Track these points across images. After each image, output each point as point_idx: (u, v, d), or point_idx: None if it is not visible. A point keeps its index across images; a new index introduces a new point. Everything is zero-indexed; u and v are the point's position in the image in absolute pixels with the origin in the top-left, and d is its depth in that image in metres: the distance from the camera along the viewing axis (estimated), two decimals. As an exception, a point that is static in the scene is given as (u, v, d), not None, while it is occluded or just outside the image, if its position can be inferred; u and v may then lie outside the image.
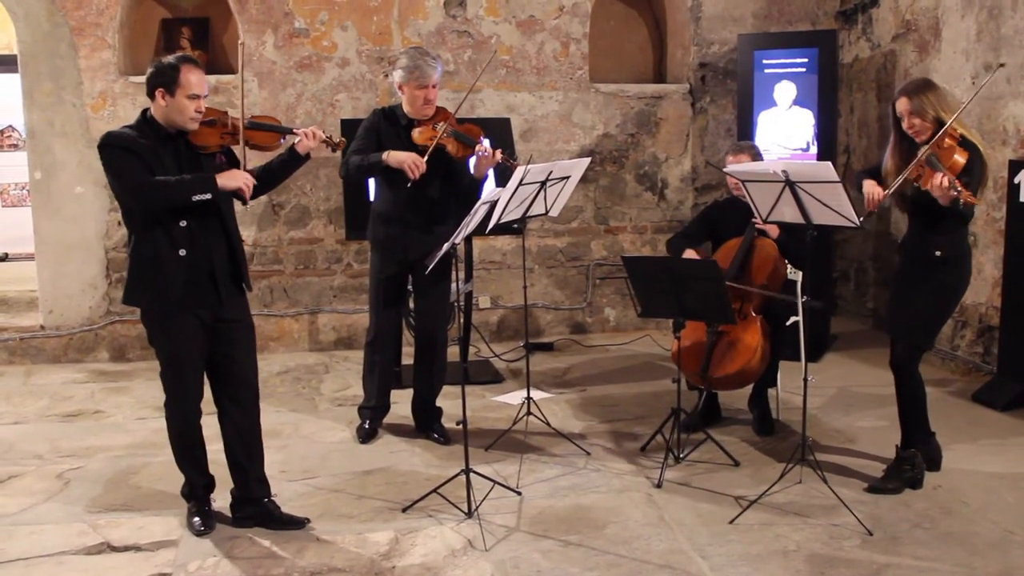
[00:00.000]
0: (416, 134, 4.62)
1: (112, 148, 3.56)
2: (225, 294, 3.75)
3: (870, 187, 4.13)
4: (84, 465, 4.62)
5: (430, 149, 4.54)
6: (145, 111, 3.68)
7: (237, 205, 3.84)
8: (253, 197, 3.80)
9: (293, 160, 3.94)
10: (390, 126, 4.69)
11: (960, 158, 3.89)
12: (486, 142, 4.71)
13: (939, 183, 3.74)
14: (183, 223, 3.62)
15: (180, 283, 3.63)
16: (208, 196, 3.58)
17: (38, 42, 6.40)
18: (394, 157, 4.56)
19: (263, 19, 6.64)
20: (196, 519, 3.87)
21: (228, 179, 3.66)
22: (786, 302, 4.75)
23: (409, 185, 4.53)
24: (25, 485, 4.38)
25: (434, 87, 4.63)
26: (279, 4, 6.63)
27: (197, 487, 3.93)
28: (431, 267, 4.25)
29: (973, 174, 3.94)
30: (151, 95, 3.62)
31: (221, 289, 3.73)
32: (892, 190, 4.00)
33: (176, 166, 3.64)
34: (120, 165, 3.55)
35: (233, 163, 3.83)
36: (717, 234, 5.08)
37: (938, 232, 4.07)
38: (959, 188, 3.70)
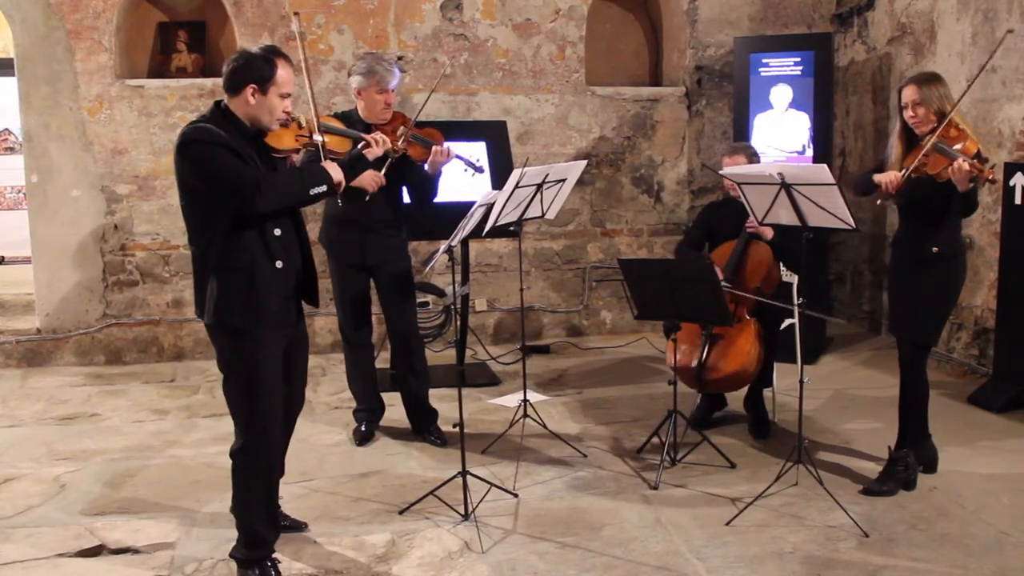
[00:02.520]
0: None
1: (206, 144, 3.19)
2: (300, 310, 3.54)
3: (884, 176, 4.09)
4: (81, 468, 4.62)
5: (394, 157, 4.50)
6: (219, 103, 3.34)
7: None
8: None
9: (361, 165, 3.76)
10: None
11: (971, 145, 3.91)
12: (446, 145, 4.71)
13: (957, 168, 3.77)
14: (277, 232, 3.33)
15: (279, 298, 3.35)
16: (324, 188, 3.36)
17: (35, 45, 6.40)
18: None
19: (259, 22, 6.64)
20: None
21: (335, 170, 3.43)
22: (780, 306, 4.76)
23: (367, 198, 4.52)
24: (22, 488, 4.38)
25: (393, 91, 4.66)
26: (275, 7, 6.64)
27: (267, 545, 3.51)
28: (426, 270, 4.25)
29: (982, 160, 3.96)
30: (237, 90, 3.27)
31: (298, 304, 3.52)
32: (910, 171, 3.97)
33: (265, 167, 3.37)
34: (220, 163, 3.19)
35: None
36: (713, 235, 5.09)
37: (936, 228, 4.08)
38: (980, 167, 3.74)
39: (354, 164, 3.74)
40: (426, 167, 4.71)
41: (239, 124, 3.32)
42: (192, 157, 3.22)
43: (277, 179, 3.34)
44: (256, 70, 3.27)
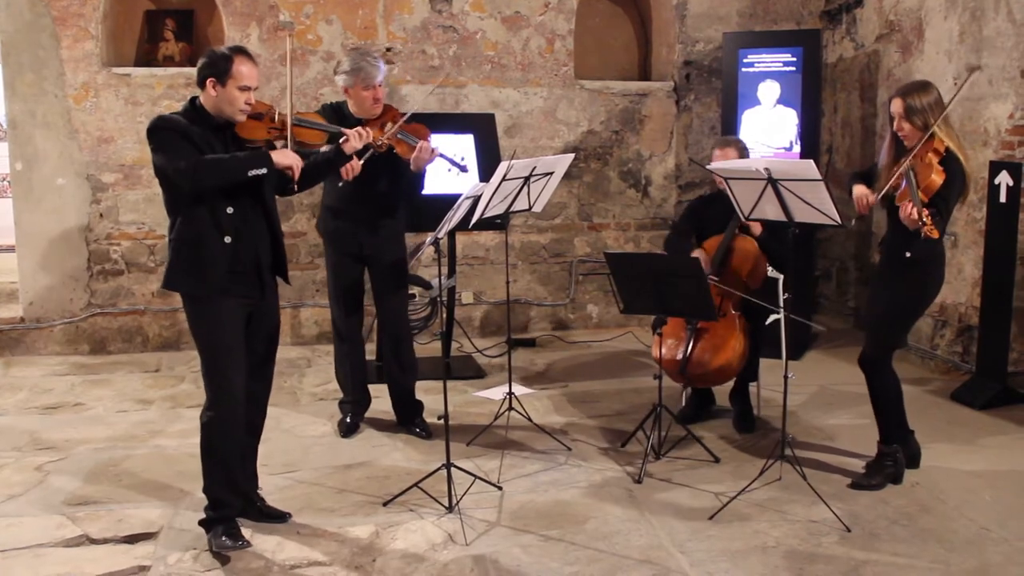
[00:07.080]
0: None
1: (163, 130, 3.51)
2: (267, 286, 3.72)
3: (860, 192, 4.14)
4: (64, 457, 4.60)
5: (370, 151, 4.41)
6: (194, 99, 3.63)
7: None
8: (296, 192, 3.83)
9: (338, 158, 3.98)
10: (340, 123, 4.52)
11: (937, 178, 3.90)
12: (432, 140, 4.66)
13: (907, 213, 3.79)
14: (230, 210, 3.57)
15: (223, 270, 3.57)
16: (263, 171, 3.56)
17: (20, 32, 6.35)
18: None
19: (248, 12, 6.61)
20: (225, 539, 3.62)
21: (281, 156, 3.64)
22: (766, 303, 4.78)
23: (340, 184, 4.53)
24: (3, 477, 4.35)
25: (380, 86, 4.63)
26: (264, -3, 6.61)
27: (228, 507, 3.70)
28: (412, 261, 4.24)
29: (948, 199, 3.98)
30: (202, 84, 3.57)
31: (265, 280, 3.70)
32: (880, 196, 4.01)
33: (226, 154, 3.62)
34: (171, 146, 3.48)
35: None
36: (702, 229, 5.09)
37: (913, 234, 4.08)
38: (925, 220, 3.73)
39: (333, 160, 3.97)
40: (410, 165, 4.65)
41: (208, 116, 3.61)
42: (152, 142, 3.55)
43: (219, 160, 3.55)
44: (214, 65, 3.56)
